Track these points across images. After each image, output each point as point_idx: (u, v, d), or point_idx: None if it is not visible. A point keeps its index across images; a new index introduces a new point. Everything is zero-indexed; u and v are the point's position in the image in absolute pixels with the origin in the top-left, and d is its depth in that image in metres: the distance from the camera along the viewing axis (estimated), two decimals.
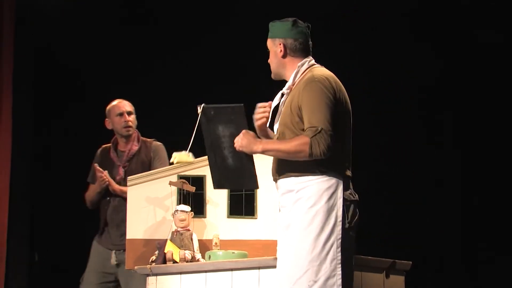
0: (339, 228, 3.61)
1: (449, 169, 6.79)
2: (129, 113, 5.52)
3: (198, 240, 5.56)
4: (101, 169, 5.52)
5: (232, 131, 3.69)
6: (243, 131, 3.70)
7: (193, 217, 5.61)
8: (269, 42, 3.88)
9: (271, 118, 3.89)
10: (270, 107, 3.81)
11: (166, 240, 5.46)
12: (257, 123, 3.86)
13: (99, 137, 6.06)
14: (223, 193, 5.62)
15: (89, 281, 5.47)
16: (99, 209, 5.62)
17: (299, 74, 3.77)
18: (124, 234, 5.27)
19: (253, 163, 3.74)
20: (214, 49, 6.85)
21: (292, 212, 3.64)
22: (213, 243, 5.59)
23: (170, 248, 5.39)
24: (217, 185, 3.98)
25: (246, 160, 3.71)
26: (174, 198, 5.67)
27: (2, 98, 6.37)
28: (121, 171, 5.48)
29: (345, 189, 3.67)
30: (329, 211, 3.61)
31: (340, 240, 3.60)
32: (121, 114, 5.48)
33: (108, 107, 5.57)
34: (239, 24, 6.67)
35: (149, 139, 5.60)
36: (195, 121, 3.82)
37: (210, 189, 5.55)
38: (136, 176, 5.75)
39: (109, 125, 5.58)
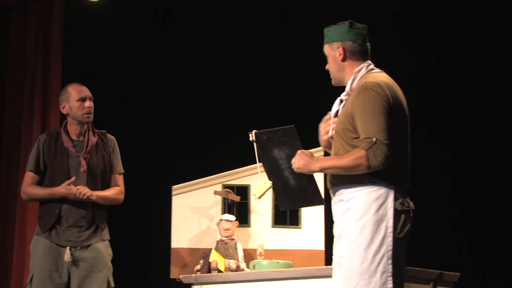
0: (389, 239, 3.50)
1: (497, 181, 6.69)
2: (91, 99, 4.94)
3: (243, 249, 5.56)
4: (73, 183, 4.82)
5: (287, 153, 3.61)
6: (299, 151, 3.60)
7: (238, 226, 5.61)
8: (327, 48, 3.73)
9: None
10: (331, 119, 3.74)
11: (211, 249, 5.47)
12: (321, 138, 3.79)
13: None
14: (268, 203, 5.62)
15: (40, 282, 4.74)
16: (43, 209, 4.92)
17: (356, 80, 3.65)
18: (83, 231, 4.80)
19: (314, 180, 3.69)
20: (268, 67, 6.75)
21: (343, 222, 3.59)
22: (258, 253, 5.59)
23: (215, 258, 5.39)
24: (284, 206, 3.93)
25: (307, 178, 3.66)
26: (219, 207, 5.68)
27: (52, 106, 6.46)
28: (84, 163, 4.85)
29: (396, 198, 3.56)
30: (379, 222, 3.51)
31: (391, 252, 3.49)
32: (83, 99, 4.88)
33: (66, 90, 4.98)
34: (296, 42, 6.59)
35: (101, 131, 5.07)
36: (249, 148, 3.75)
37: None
38: (181, 186, 5.78)
39: (65, 110, 4.94)
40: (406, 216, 3.58)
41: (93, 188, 4.81)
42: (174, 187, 5.83)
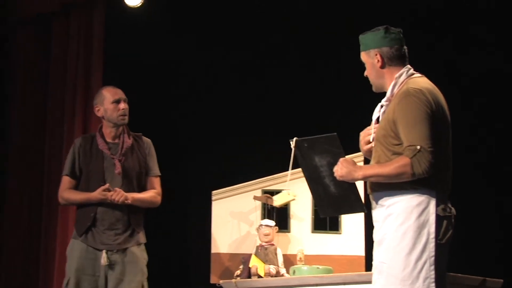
0: (432, 245, 3.47)
1: None
2: (125, 101, 4.95)
3: (283, 254, 5.55)
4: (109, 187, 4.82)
5: (329, 160, 3.57)
6: (341, 159, 3.57)
7: (278, 231, 5.60)
8: (364, 56, 3.69)
9: (374, 132, 3.78)
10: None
11: (251, 254, 5.47)
12: (362, 147, 3.76)
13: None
14: (308, 208, 5.60)
15: (77, 286, 4.75)
16: (79, 212, 4.95)
17: (397, 85, 3.63)
18: (119, 234, 4.80)
19: (356, 187, 3.66)
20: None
21: (383, 228, 3.57)
22: (298, 258, 5.57)
23: (255, 263, 5.39)
24: (324, 213, 3.90)
25: (348, 186, 3.63)
26: (259, 212, 5.68)
27: (93, 112, 6.51)
28: (119, 165, 4.85)
29: (438, 204, 3.52)
30: (420, 228, 3.48)
31: (433, 258, 3.45)
32: (117, 101, 4.89)
33: (101, 93, 5.01)
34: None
35: (137, 133, 5.06)
36: (287, 161, 3.73)
37: (295, 203, 5.55)
38: (221, 191, 5.79)
39: (100, 113, 4.96)
40: (448, 222, 3.55)
41: (128, 190, 4.83)
42: (214, 192, 5.84)
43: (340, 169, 3.58)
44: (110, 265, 4.74)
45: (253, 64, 6.66)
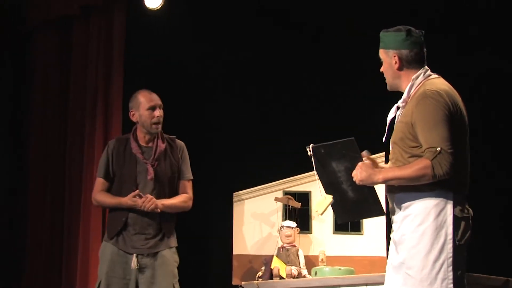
0: (449, 246, 3.47)
1: None
2: (161, 107, 4.91)
3: (304, 256, 5.55)
4: (141, 194, 4.82)
5: (346, 165, 3.55)
6: (360, 163, 3.55)
7: (299, 233, 5.60)
8: (382, 53, 3.68)
9: (387, 133, 3.77)
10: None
11: (273, 256, 5.47)
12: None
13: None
14: (329, 209, 5.58)
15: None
16: (111, 216, 4.95)
17: (414, 87, 3.62)
18: (150, 238, 4.79)
19: (375, 191, 3.65)
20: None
21: (401, 228, 3.57)
22: (319, 259, 5.56)
23: (277, 264, 5.39)
24: (341, 219, 3.88)
25: (368, 190, 3.60)
26: (280, 214, 5.67)
27: (113, 115, 6.56)
28: (151, 170, 4.82)
29: (455, 205, 3.52)
30: (438, 229, 3.48)
31: (451, 259, 3.46)
32: (153, 108, 4.85)
33: (137, 98, 4.97)
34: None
35: (171, 136, 5.04)
36: (308, 162, 3.72)
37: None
38: (242, 192, 5.79)
39: (134, 118, 4.92)
40: (466, 223, 3.55)
41: (160, 195, 4.82)
42: (235, 193, 5.85)
43: (360, 173, 3.57)
44: (140, 269, 4.74)
45: (275, 66, 6.65)
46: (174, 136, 5.08)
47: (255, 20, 6.70)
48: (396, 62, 3.68)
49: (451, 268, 3.48)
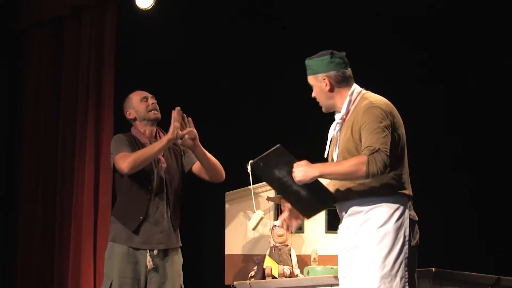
0: (406, 247, 3.67)
1: None
2: (153, 97, 4.97)
3: (297, 255, 5.55)
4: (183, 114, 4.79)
5: (286, 169, 3.71)
6: (294, 165, 3.69)
7: (291, 232, 5.60)
8: (311, 79, 3.87)
9: (328, 148, 3.94)
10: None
11: (265, 255, 5.47)
12: None
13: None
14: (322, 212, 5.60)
15: None
16: (128, 208, 4.78)
17: (353, 102, 3.82)
18: (164, 230, 4.71)
19: (320, 182, 3.78)
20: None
21: (360, 233, 3.72)
22: (312, 258, 5.57)
23: (269, 264, 5.39)
24: (308, 216, 4.02)
25: (314, 185, 3.74)
26: (272, 213, 5.68)
27: (104, 114, 6.56)
28: (163, 159, 4.79)
29: (410, 209, 3.74)
30: (398, 231, 3.68)
31: (407, 259, 3.66)
32: (145, 99, 4.91)
33: (128, 97, 4.98)
34: None
35: None
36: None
37: None
38: (234, 192, 5.79)
39: (132, 115, 4.92)
40: (417, 226, 3.76)
41: (171, 187, 4.78)
42: (227, 193, 5.85)
43: (297, 174, 3.68)
44: (153, 268, 4.69)
45: (269, 65, 6.66)
46: None
47: (246, 18, 6.71)
48: (326, 85, 3.84)
49: (407, 268, 3.66)
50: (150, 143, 4.82)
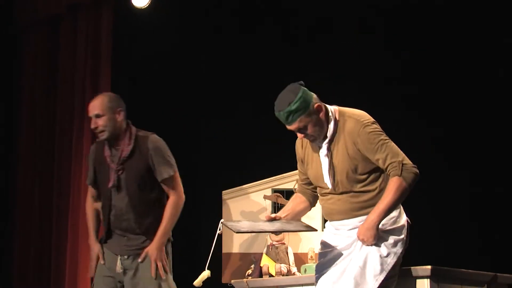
0: (402, 248, 3.75)
1: None
2: (97, 116, 4.45)
3: (294, 253, 5.55)
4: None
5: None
6: (361, 227, 3.69)
7: None
8: (303, 119, 3.68)
9: (316, 172, 3.85)
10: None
11: (262, 254, 5.47)
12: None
13: None
14: (317, 206, 5.58)
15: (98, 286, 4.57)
16: (100, 212, 4.66)
17: (334, 122, 3.73)
18: (130, 240, 4.51)
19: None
20: None
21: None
22: (309, 257, 5.57)
23: (266, 262, 5.40)
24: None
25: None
26: (269, 212, 5.68)
27: None
28: (114, 177, 4.44)
29: (406, 214, 3.84)
30: (401, 232, 3.76)
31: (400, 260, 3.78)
32: (91, 118, 4.49)
33: None
34: None
35: (146, 133, 4.53)
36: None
37: None
38: (231, 191, 5.79)
39: None
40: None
41: (132, 204, 4.49)
42: (224, 192, 5.85)
43: (367, 238, 3.66)
44: (124, 272, 4.61)
45: (266, 63, 6.65)
46: (151, 133, 4.59)
47: (243, 17, 6.70)
48: (321, 110, 3.73)
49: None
50: (112, 155, 4.50)
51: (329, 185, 3.80)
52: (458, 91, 6.10)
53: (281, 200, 5.59)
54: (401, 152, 3.68)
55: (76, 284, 6.30)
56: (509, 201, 6.04)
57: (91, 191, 4.72)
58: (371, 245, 3.68)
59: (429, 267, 3.89)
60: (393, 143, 3.69)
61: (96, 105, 4.50)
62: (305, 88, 3.74)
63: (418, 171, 3.66)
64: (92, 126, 4.49)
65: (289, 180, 5.66)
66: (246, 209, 5.70)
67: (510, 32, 5.97)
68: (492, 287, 4.35)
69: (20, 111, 6.87)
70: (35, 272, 6.56)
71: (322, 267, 3.85)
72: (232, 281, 5.38)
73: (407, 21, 6.22)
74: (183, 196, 4.62)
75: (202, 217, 6.60)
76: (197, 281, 4.08)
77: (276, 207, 5.64)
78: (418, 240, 3.92)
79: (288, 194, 5.65)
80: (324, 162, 3.78)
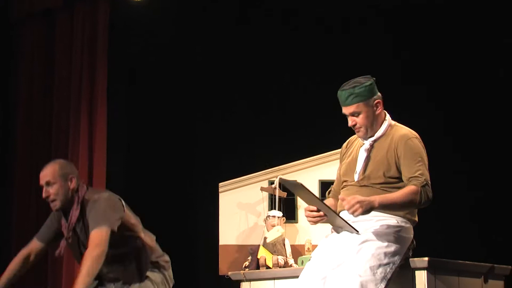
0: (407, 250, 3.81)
1: None
2: (48, 184, 4.19)
3: (290, 245, 5.56)
4: None
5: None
6: (349, 199, 3.58)
7: (285, 222, 5.61)
8: (360, 106, 3.77)
9: (349, 165, 3.88)
10: (317, 212, 3.78)
11: (259, 245, 5.48)
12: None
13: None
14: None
15: None
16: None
17: (388, 125, 3.82)
18: (125, 284, 4.27)
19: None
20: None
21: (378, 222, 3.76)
22: (306, 248, 5.58)
23: (263, 254, 5.40)
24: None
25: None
26: (266, 203, 5.68)
27: (98, 107, 6.53)
28: (63, 245, 4.22)
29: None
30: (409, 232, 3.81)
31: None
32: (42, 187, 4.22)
33: None
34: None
35: (91, 196, 4.21)
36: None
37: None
38: (227, 183, 5.80)
39: None
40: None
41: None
42: (220, 184, 5.85)
43: (357, 209, 3.58)
44: None
45: (265, 59, 6.65)
46: (100, 192, 4.31)
47: (241, 11, 6.70)
48: (379, 108, 3.82)
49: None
50: (66, 222, 4.22)
51: (356, 178, 3.83)
52: (458, 91, 6.11)
53: (278, 192, 5.60)
54: (429, 176, 3.74)
55: (72, 281, 6.28)
56: (506, 194, 6.07)
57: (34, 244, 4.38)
58: (352, 214, 3.61)
59: (426, 258, 3.90)
60: (426, 164, 3.77)
61: (47, 173, 4.24)
62: (374, 83, 3.82)
63: (430, 201, 3.71)
64: (44, 195, 4.20)
65: (286, 172, 5.66)
66: (243, 201, 5.70)
67: (510, 32, 5.97)
68: (489, 278, 4.37)
69: (17, 107, 6.85)
70: (31, 279, 6.52)
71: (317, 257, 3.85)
72: (229, 273, 5.38)
73: (407, 21, 6.23)
74: (103, 254, 4.07)
75: (199, 209, 6.62)
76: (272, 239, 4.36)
77: (273, 199, 5.65)
78: (416, 232, 3.93)
79: (285, 186, 5.64)
80: (362, 155, 3.83)
